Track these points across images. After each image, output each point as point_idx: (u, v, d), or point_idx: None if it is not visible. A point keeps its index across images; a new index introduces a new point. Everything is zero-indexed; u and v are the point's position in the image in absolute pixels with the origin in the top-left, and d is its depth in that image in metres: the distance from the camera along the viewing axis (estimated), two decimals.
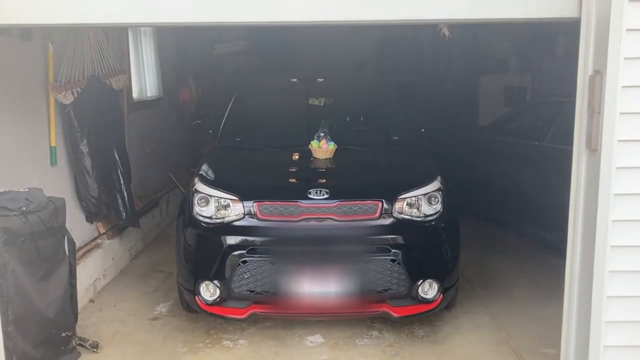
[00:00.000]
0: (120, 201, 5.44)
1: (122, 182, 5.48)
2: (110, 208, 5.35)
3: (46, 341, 3.63)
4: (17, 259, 3.37)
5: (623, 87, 2.75)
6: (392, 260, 4.00)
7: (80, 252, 4.80)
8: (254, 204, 4.09)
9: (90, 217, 5.21)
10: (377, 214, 4.10)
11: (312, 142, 4.70)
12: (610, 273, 2.87)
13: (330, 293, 3.97)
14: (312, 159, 4.69)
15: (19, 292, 3.37)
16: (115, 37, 5.93)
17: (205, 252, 4.18)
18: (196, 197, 4.21)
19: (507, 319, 4.51)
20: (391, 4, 2.97)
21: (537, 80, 8.62)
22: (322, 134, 4.70)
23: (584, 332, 2.96)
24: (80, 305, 4.28)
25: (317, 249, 4.07)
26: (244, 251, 4.00)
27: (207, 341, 4.24)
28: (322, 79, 5.85)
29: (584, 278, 2.96)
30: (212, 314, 4.18)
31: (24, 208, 3.46)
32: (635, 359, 2.97)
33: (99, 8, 2.99)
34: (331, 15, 2.99)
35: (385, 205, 4.10)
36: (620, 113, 2.77)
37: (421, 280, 4.05)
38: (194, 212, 4.21)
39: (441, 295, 4.14)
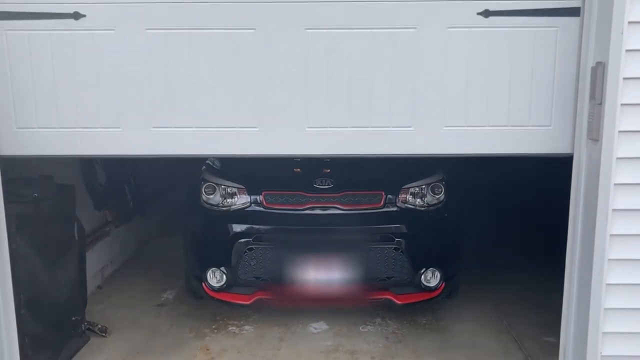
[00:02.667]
0: (127, 189, 5.51)
1: (129, 171, 5.55)
2: (118, 196, 5.42)
3: (56, 325, 3.71)
4: (29, 244, 3.45)
5: (624, 78, 2.79)
6: (396, 249, 4.07)
7: (89, 240, 4.87)
8: (260, 192, 4.16)
9: (99, 205, 5.29)
10: (381, 203, 4.17)
11: None
12: (609, 261, 2.92)
13: (335, 280, 4.04)
14: None
15: (30, 276, 3.45)
16: None
17: (211, 239, 4.25)
18: (203, 186, 4.28)
19: (509, 308, 4.58)
20: (396, 143, 3.17)
21: None
22: None
23: (583, 319, 3.03)
24: (88, 291, 4.36)
25: (321, 237, 4.14)
26: (250, 239, 4.07)
27: (214, 327, 4.32)
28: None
29: (584, 266, 3.02)
30: (218, 300, 4.25)
31: (35, 194, 3.53)
32: (633, 346, 3.03)
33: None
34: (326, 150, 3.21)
35: (389, 195, 4.17)
36: (622, 104, 2.81)
37: (424, 269, 4.12)
38: (202, 200, 4.28)
39: (443, 284, 4.20)
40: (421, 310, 4.51)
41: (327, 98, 3.12)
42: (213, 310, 4.52)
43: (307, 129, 3.15)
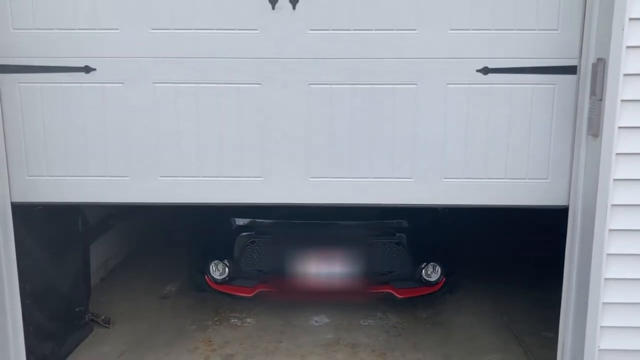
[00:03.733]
0: None
1: None
2: None
3: (60, 315, 3.76)
4: (35, 235, 3.49)
5: (625, 75, 2.80)
6: (397, 244, 4.11)
7: (93, 232, 4.92)
8: None
9: None
10: None
11: None
12: (608, 256, 2.95)
13: (336, 274, 4.08)
14: None
15: (36, 267, 3.50)
16: None
17: (214, 233, 4.30)
18: None
19: (509, 304, 4.61)
20: (397, 193, 3.23)
21: None
22: None
23: (581, 313, 3.06)
24: (92, 283, 4.41)
25: (323, 232, 4.18)
26: (253, 232, 4.12)
27: (216, 319, 4.36)
28: None
29: (583, 261, 3.05)
30: (220, 292, 4.30)
31: None
32: (631, 342, 3.06)
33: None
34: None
35: None
36: (622, 100, 2.83)
37: (425, 264, 4.16)
38: None
39: (444, 279, 4.24)
40: (422, 305, 4.54)
41: (329, 149, 3.18)
42: (216, 303, 4.56)
43: (310, 179, 3.22)
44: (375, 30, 3.04)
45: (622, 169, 2.88)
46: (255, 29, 3.05)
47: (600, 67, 2.85)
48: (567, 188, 3.17)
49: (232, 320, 4.34)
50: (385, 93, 3.11)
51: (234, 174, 3.22)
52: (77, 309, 3.94)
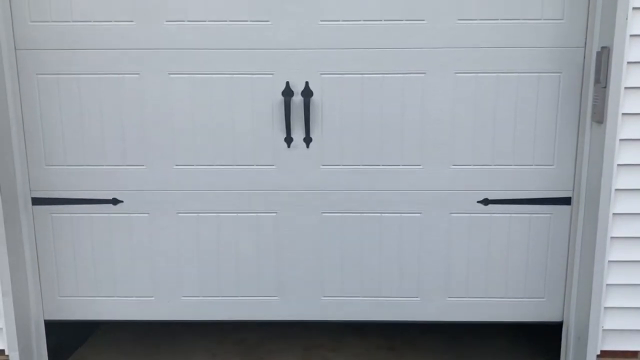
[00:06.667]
0: None
1: None
2: None
3: None
4: None
5: (628, 62, 2.87)
6: None
7: None
8: None
9: None
10: None
11: None
12: (612, 239, 3.06)
13: None
14: None
15: None
16: None
17: None
18: None
19: None
20: (403, 311, 3.47)
21: None
22: None
23: (585, 295, 3.19)
24: None
25: None
26: None
27: None
28: None
29: (587, 244, 3.16)
30: None
31: None
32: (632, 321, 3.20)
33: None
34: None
35: None
36: (625, 87, 2.90)
37: None
38: None
39: None
40: None
41: (341, 270, 3.41)
42: None
43: (322, 298, 3.45)
44: (382, 165, 3.26)
45: (625, 155, 2.97)
46: (272, 165, 3.28)
47: (604, 55, 2.90)
48: (562, 304, 3.40)
49: None
50: (392, 222, 3.34)
51: (251, 293, 3.46)
52: None
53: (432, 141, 3.22)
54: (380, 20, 3.08)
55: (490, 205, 3.29)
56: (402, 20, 3.08)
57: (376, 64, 3.12)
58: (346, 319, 3.48)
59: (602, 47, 2.94)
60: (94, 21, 3.12)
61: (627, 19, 2.82)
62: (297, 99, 3.17)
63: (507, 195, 3.28)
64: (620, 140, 2.95)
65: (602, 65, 2.93)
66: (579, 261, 3.25)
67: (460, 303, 3.44)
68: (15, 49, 3.15)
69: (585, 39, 3.07)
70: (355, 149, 3.24)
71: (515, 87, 3.14)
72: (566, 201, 3.26)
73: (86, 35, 3.13)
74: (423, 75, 3.14)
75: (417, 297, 3.44)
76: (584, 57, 3.09)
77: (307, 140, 3.23)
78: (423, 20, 3.08)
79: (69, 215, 3.36)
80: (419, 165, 3.26)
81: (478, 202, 3.29)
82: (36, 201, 3.34)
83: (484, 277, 3.40)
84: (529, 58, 3.10)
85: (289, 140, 3.23)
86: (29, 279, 3.38)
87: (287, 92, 3.16)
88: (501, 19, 3.08)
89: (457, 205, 3.30)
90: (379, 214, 3.33)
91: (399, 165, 3.26)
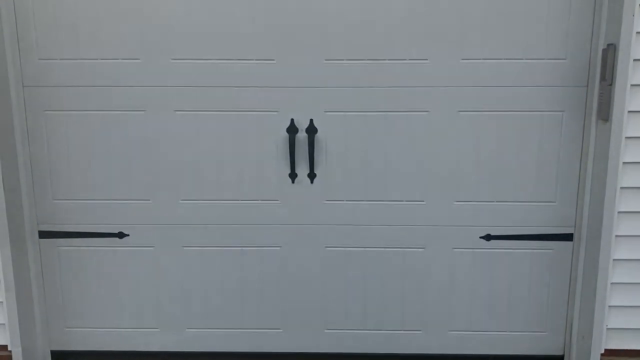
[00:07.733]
0: None
1: None
2: None
3: None
4: None
5: (634, 60, 2.87)
6: None
7: None
8: None
9: None
10: None
11: None
12: (617, 238, 3.06)
13: None
14: None
15: None
16: None
17: None
18: None
19: None
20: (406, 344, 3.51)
21: None
22: None
23: (589, 294, 3.20)
24: None
25: None
26: None
27: None
28: None
29: (592, 243, 3.16)
30: None
31: None
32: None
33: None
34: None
35: None
36: (631, 85, 2.89)
37: None
38: None
39: None
40: None
41: (344, 303, 3.46)
42: None
43: (325, 331, 3.50)
44: (386, 200, 3.30)
45: (631, 153, 2.96)
46: (277, 200, 3.32)
47: (610, 52, 2.89)
48: (563, 338, 3.43)
49: None
50: (396, 255, 3.37)
51: (255, 325, 3.50)
52: None
53: (435, 177, 3.26)
54: (384, 60, 3.11)
55: (492, 241, 3.33)
56: (405, 59, 3.11)
57: (380, 102, 3.16)
58: (349, 351, 3.51)
59: (609, 44, 2.92)
60: (101, 59, 3.16)
61: (633, 15, 2.80)
62: (302, 136, 3.21)
63: (509, 231, 3.31)
64: (626, 138, 2.94)
65: (608, 63, 2.91)
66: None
67: (462, 336, 3.48)
68: (23, 85, 3.20)
69: (588, 78, 3.10)
70: (359, 184, 3.28)
71: (517, 125, 3.17)
72: (568, 237, 3.29)
73: (93, 72, 3.16)
74: (426, 113, 3.17)
75: (419, 330, 3.48)
76: (587, 96, 3.12)
77: (311, 175, 3.27)
78: (427, 59, 3.11)
79: (75, 248, 3.40)
80: (422, 200, 3.29)
81: (480, 237, 3.32)
82: (43, 234, 3.38)
83: (486, 311, 3.44)
84: (532, 97, 3.13)
85: (293, 175, 3.27)
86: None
87: (292, 129, 3.20)
88: (504, 59, 3.11)
89: (459, 240, 3.33)
90: (382, 249, 3.37)
91: (402, 201, 3.30)
